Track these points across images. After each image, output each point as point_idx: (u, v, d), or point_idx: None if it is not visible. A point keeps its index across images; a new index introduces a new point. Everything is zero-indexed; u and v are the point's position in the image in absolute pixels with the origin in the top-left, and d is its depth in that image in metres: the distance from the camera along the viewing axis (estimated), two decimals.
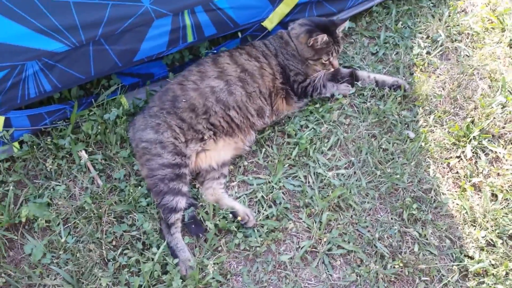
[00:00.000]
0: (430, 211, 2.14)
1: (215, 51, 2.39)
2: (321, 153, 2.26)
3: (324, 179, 2.18)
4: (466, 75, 2.55)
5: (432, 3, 2.84)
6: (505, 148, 2.34)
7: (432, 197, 2.18)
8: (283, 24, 2.46)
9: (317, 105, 2.37)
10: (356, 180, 2.19)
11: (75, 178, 2.15)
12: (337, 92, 2.36)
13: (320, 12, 2.53)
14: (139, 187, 2.06)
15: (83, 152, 2.16)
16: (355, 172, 2.21)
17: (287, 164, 2.22)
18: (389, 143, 2.29)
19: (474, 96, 2.48)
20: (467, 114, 2.43)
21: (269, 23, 2.40)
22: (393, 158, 2.25)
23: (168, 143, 2.02)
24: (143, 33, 2.06)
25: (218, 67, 2.17)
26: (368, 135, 2.32)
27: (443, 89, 2.52)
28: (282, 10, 2.39)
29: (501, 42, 2.71)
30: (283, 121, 2.34)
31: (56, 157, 2.17)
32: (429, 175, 2.24)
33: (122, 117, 2.20)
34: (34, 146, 2.14)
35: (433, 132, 2.37)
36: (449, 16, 2.76)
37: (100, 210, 2.02)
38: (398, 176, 2.19)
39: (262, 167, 2.24)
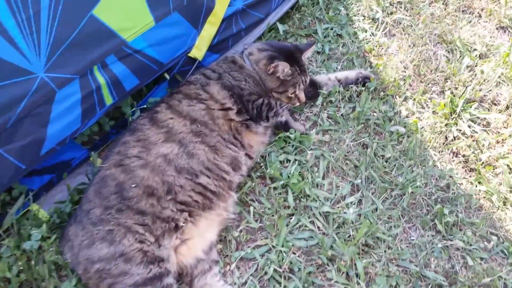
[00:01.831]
0: (460, 210, 1.80)
1: (144, 106, 1.80)
2: (317, 186, 1.81)
3: (336, 217, 1.72)
4: (420, 45, 2.28)
5: None
6: (490, 110, 2.10)
7: (454, 193, 1.84)
8: (212, 48, 1.96)
9: None
10: (371, 205, 1.77)
11: None
12: (293, 124, 1.91)
13: (248, 22, 2.08)
14: None
15: None
16: (363, 196, 1.80)
17: (286, 215, 1.72)
18: (385, 148, 1.92)
19: (440, 65, 2.22)
20: (442, 88, 2.15)
21: (198, 51, 1.88)
22: (395, 164, 1.88)
23: (133, 252, 1.41)
24: (46, 114, 1.42)
25: (160, 127, 1.60)
26: (358, 145, 1.92)
27: (405, 68, 2.22)
28: (208, 32, 1.89)
29: (432, 2, 2.51)
30: (258, 164, 1.84)
31: None
32: (439, 169, 1.91)
33: (49, 237, 1.53)
34: None
35: (420, 119, 2.05)
36: None
37: None
38: (411, 182, 1.82)
39: (256, 231, 1.71)
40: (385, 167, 1.86)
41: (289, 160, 1.85)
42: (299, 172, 1.80)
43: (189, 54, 1.87)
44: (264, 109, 1.79)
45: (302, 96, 1.86)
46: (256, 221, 1.72)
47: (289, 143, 1.88)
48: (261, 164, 1.83)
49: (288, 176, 1.77)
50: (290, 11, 2.32)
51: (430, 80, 2.16)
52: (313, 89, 2.01)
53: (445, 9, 2.46)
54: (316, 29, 2.29)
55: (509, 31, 2.40)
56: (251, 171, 1.81)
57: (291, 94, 1.82)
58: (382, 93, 2.09)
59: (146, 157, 1.53)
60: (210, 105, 1.68)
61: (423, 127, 2.02)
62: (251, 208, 1.73)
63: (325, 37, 2.28)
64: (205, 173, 1.57)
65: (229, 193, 1.64)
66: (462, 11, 2.48)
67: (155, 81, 1.87)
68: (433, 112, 2.07)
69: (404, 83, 2.13)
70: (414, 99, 2.08)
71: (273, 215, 1.71)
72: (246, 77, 1.78)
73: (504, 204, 1.85)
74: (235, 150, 1.67)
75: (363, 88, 2.05)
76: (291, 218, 1.72)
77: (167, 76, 1.86)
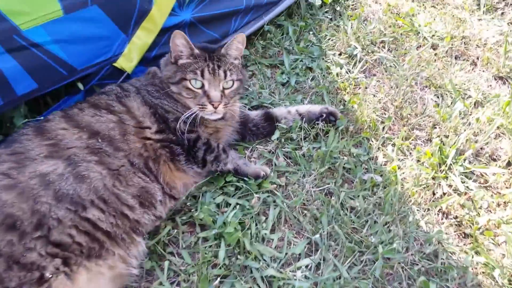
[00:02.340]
0: (452, 287, 1.34)
1: (41, 117, 1.40)
2: (262, 241, 1.35)
3: (282, 284, 1.25)
4: (405, 86, 1.93)
5: (327, 16, 2.26)
6: (487, 165, 1.71)
7: (443, 263, 1.39)
8: (150, 61, 1.60)
9: None
10: (332, 271, 1.31)
11: None
12: (245, 170, 1.46)
13: (199, 40, 1.73)
14: None
15: None
16: (324, 259, 1.34)
17: (213, 277, 1.25)
18: (355, 198, 1.49)
19: (426, 109, 1.86)
20: (429, 134, 1.78)
21: (126, 61, 1.52)
22: (367, 220, 1.44)
23: None
24: None
25: (47, 138, 1.18)
26: (321, 192, 1.50)
27: (385, 110, 1.86)
28: (142, 40, 1.53)
29: (420, 46, 2.21)
30: (187, 204, 1.40)
31: None
32: (424, 231, 1.47)
33: None
34: None
35: (401, 168, 1.64)
36: (352, 27, 2.19)
37: None
38: (387, 244, 1.38)
39: None
40: (353, 222, 1.42)
41: (229, 204, 1.41)
42: (240, 220, 1.36)
43: (115, 64, 1.50)
44: (201, 147, 1.39)
45: (214, 94, 1.41)
46: (172, 283, 1.25)
47: (232, 181, 1.45)
48: (191, 205, 1.39)
49: (224, 224, 1.33)
50: (253, 36, 2.00)
51: (415, 125, 1.79)
52: (270, 124, 1.62)
53: (435, 54, 2.16)
54: (282, 60, 1.96)
55: (508, 82, 2.08)
56: (175, 214, 1.37)
57: (195, 87, 1.40)
58: (355, 134, 1.70)
59: (17, 175, 1.10)
60: (123, 119, 1.28)
61: (404, 178, 1.61)
62: (166, 263, 1.26)
63: (292, 68, 1.94)
64: (97, 205, 1.12)
65: (133, 238, 1.19)
66: (455, 57, 2.17)
67: (66, 91, 1.48)
68: (417, 160, 1.67)
69: (383, 126, 1.76)
70: (394, 144, 1.70)
71: (196, 275, 1.24)
72: (161, 89, 1.42)
73: (510, 283, 1.39)
74: (147, 180, 1.24)
75: (330, 126, 1.67)
76: (220, 282, 1.25)
77: (81, 87, 1.47)
